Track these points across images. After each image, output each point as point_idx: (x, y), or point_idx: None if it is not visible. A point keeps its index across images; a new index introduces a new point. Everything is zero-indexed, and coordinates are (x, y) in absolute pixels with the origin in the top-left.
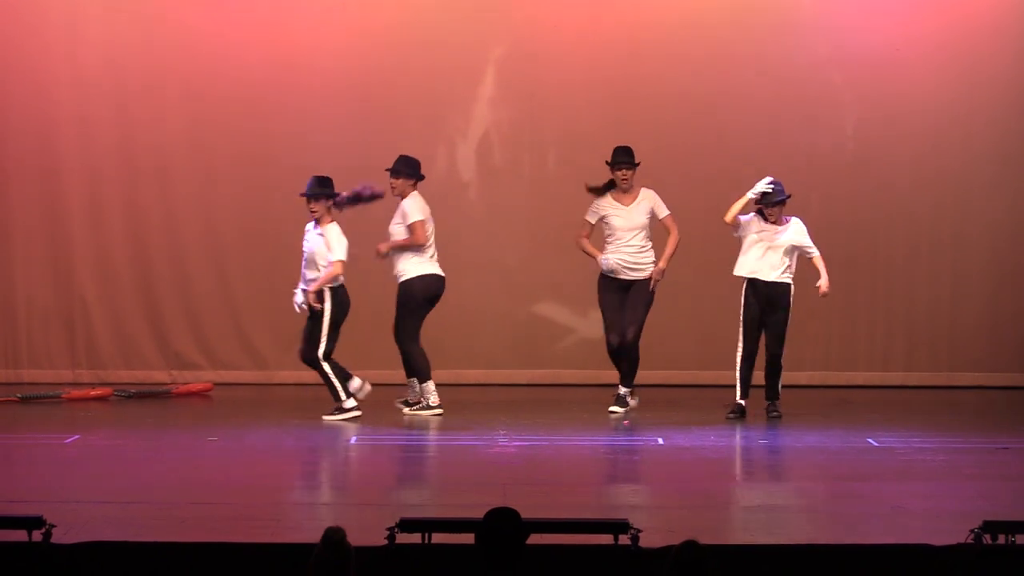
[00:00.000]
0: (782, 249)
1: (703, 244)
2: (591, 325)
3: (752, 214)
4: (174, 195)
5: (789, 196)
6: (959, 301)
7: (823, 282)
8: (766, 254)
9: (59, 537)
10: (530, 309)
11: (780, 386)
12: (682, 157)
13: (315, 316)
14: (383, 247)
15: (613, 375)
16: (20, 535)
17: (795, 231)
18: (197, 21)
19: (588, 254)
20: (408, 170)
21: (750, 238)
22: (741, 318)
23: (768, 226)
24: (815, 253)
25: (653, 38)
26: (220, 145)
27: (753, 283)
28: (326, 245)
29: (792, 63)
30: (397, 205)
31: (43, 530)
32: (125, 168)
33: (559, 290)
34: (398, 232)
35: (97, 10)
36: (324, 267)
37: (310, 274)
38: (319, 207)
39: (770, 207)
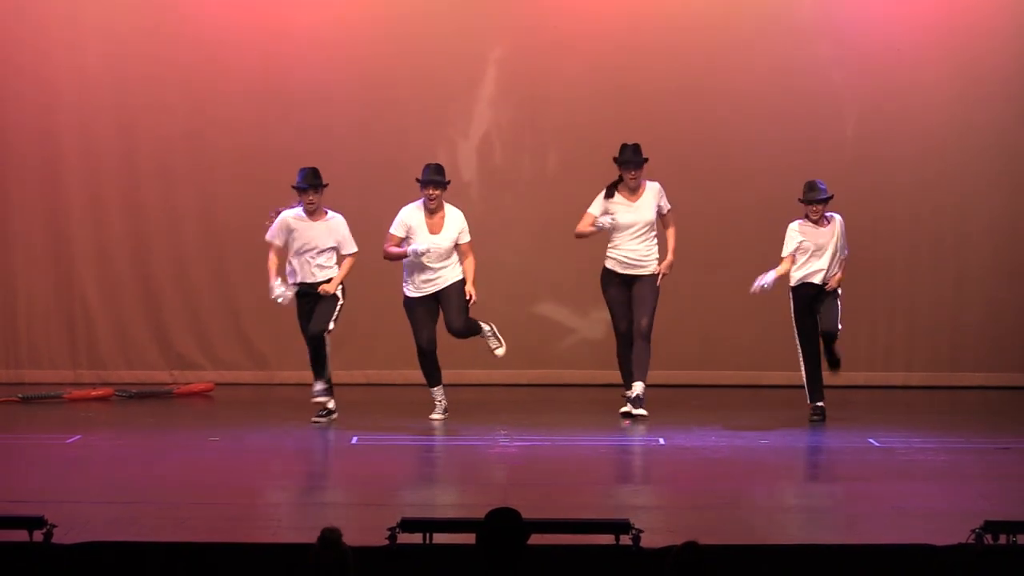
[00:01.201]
0: (829, 251)
1: (703, 243)
2: (592, 325)
3: (798, 223)
4: (175, 194)
5: (831, 196)
6: (960, 301)
7: (832, 279)
8: (811, 259)
9: (60, 537)
10: (531, 309)
11: (838, 355)
12: (682, 156)
13: (327, 297)
14: (473, 291)
15: (613, 375)
16: (21, 535)
17: (837, 230)
18: (197, 25)
19: (587, 232)
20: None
21: (803, 247)
22: (795, 328)
23: (813, 229)
24: (844, 254)
25: (653, 37)
26: (221, 146)
27: (799, 288)
28: (336, 236)
29: (792, 62)
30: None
31: (44, 530)
32: (126, 168)
33: (560, 290)
34: (447, 245)
35: (97, 8)
36: (330, 258)
37: (322, 261)
38: (319, 198)
39: (813, 204)
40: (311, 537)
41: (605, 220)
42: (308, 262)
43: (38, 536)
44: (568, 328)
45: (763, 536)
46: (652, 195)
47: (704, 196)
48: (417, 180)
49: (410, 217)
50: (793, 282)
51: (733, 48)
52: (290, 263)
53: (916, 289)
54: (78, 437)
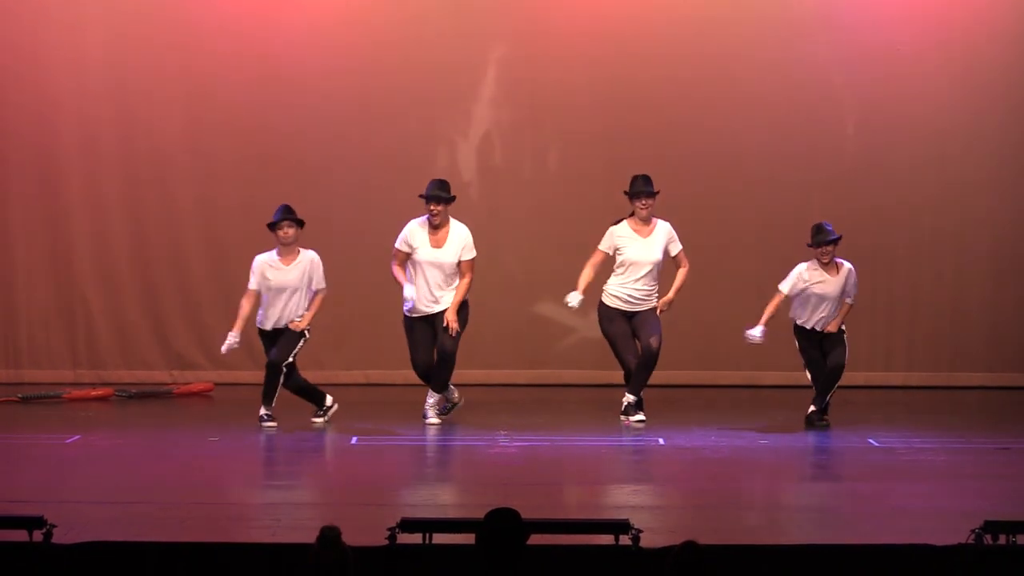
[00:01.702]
0: (836, 298)
1: (703, 245)
2: (592, 325)
3: (806, 267)
4: (174, 195)
5: (840, 237)
6: (960, 301)
7: (833, 324)
8: (821, 306)
9: (60, 537)
10: (531, 309)
11: (830, 396)
12: (682, 157)
13: (295, 332)
14: (454, 322)
15: (613, 375)
16: (21, 535)
17: (847, 281)
18: (197, 21)
19: (587, 282)
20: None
21: (807, 292)
22: (803, 360)
23: (821, 276)
24: (849, 301)
25: (654, 39)
26: (220, 145)
27: (803, 329)
28: (308, 275)
29: (792, 63)
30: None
31: (44, 530)
32: (125, 168)
33: (560, 290)
34: (450, 260)
35: (98, 10)
36: (302, 303)
37: (293, 304)
38: (295, 232)
39: (823, 247)
40: (310, 537)
41: (574, 300)
42: (281, 304)
43: (38, 536)
44: (568, 328)
45: (763, 536)
46: (662, 234)
47: (703, 195)
48: (421, 196)
49: (413, 234)
50: (798, 321)
51: (732, 47)
52: (262, 307)
53: (916, 289)
54: (78, 437)
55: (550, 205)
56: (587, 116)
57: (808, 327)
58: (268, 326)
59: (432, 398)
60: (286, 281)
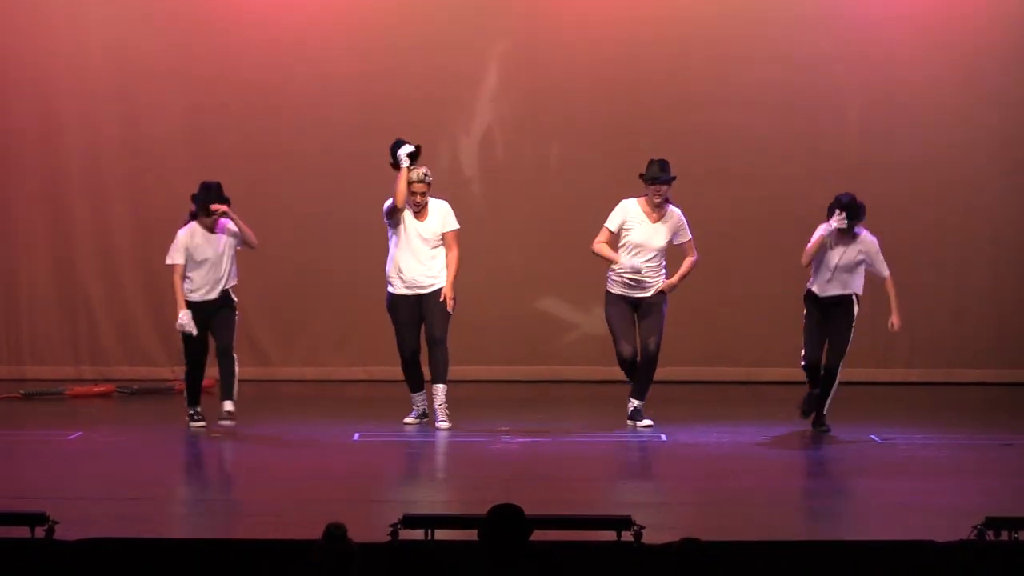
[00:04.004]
0: (849, 264)
1: (705, 240)
2: (594, 321)
3: (828, 226)
4: (176, 191)
5: (863, 215)
6: (961, 297)
7: (893, 318)
8: (835, 270)
9: (62, 534)
10: (533, 305)
11: (829, 401)
12: (685, 151)
13: (228, 310)
14: (451, 297)
15: (615, 371)
16: (23, 531)
17: (863, 248)
18: (200, 15)
19: (605, 257)
20: None
21: (827, 256)
22: (804, 339)
23: (838, 240)
24: (884, 274)
25: (655, 32)
26: (221, 141)
27: (814, 295)
28: (231, 238)
29: (794, 55)
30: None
31: (46, 527)
32: (127, 164)
33: (562, 286)
34: (435, 231)
35: (99, 4)
36: (231, 268)
37: (223, 273)
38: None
39: (843, 224)
40: (313, 533)
41: (631, 263)
42: (211, 275)
43: (40, 532)
44: (570, 324)
45: (764, 532)
46: (671, 222)
47: (705, 189)
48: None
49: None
50: (813, 287)
51: (735, 42)
52: (189, 278)
53: (918, 284)
54: (80, 433)
55: (552, 201)
56: (589, 111)
57: (821, 296)
58: (197, 297)
59: (438, 398)
60: (216, 251)
